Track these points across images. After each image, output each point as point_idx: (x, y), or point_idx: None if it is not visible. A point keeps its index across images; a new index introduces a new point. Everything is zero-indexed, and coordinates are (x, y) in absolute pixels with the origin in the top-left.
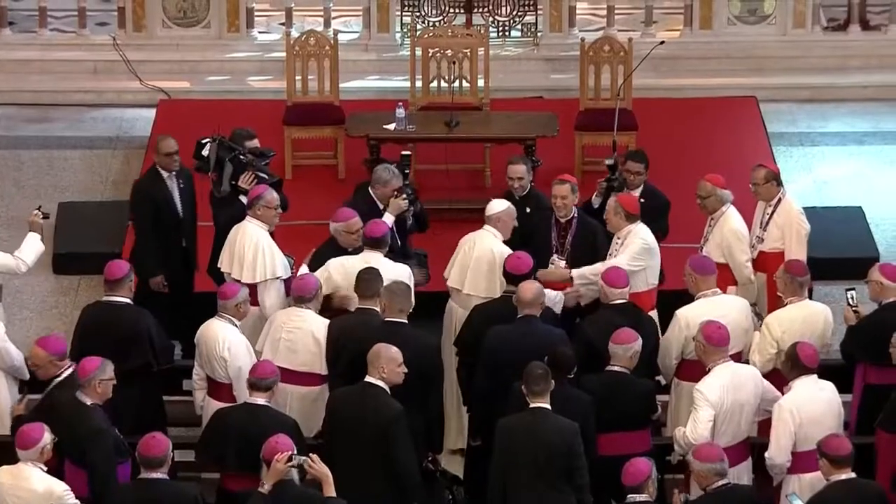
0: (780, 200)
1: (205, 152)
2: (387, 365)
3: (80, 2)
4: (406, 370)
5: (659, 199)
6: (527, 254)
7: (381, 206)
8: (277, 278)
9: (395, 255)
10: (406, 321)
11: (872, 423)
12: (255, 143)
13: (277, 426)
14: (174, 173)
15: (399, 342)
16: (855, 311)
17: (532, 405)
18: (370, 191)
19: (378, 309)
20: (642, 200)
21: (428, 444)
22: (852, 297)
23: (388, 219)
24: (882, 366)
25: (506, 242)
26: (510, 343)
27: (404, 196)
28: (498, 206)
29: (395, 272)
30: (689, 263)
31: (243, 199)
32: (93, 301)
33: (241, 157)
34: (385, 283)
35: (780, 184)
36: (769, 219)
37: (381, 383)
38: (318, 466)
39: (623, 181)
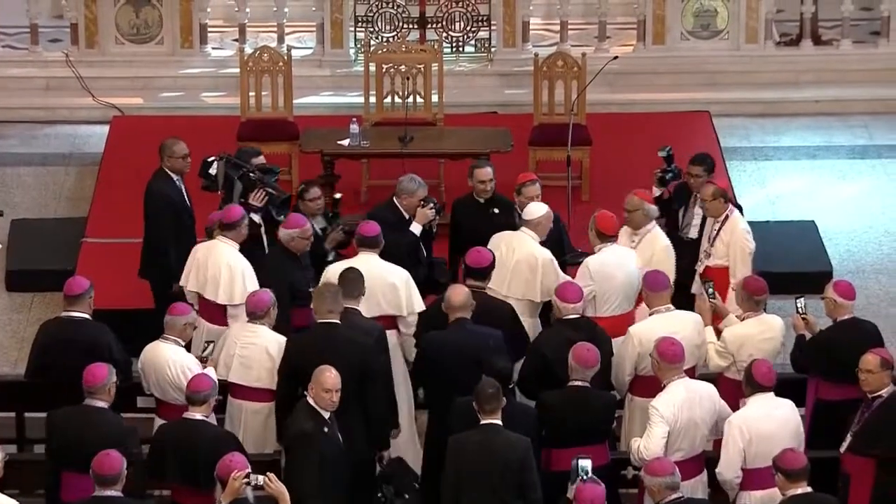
0: (727, 217)
1: (212, 171)
2: (314, 387)
3: (32, 18)
4: (336, 400)
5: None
6: (487, 249)
7: (408, 216)
8: None
9: (422, 265)
10: (339, 322)
11: (824, 437)
12: (262, 159)
13: (214, 440)
14: (180, 176)
15: (332, 343)
16: (803, 319)
17: (483, 422)
18: (395, 201)
19: (360, 309)
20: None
21: (372, 443)
22: (801, 305)
23: (416, 228)
24: (834, 381)
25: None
26: (445, 347)
27: (431, 206)
28: (538, 210)
29: (390, 272)
30: (643, 280)
31: (255, 217)
32: (47, 318)
33: (251, 174)
34: (360, 284)
35: (727, 200)
36: (716, 235)
37: (311, 402)
38: (274, 485)
39: (679, 172)
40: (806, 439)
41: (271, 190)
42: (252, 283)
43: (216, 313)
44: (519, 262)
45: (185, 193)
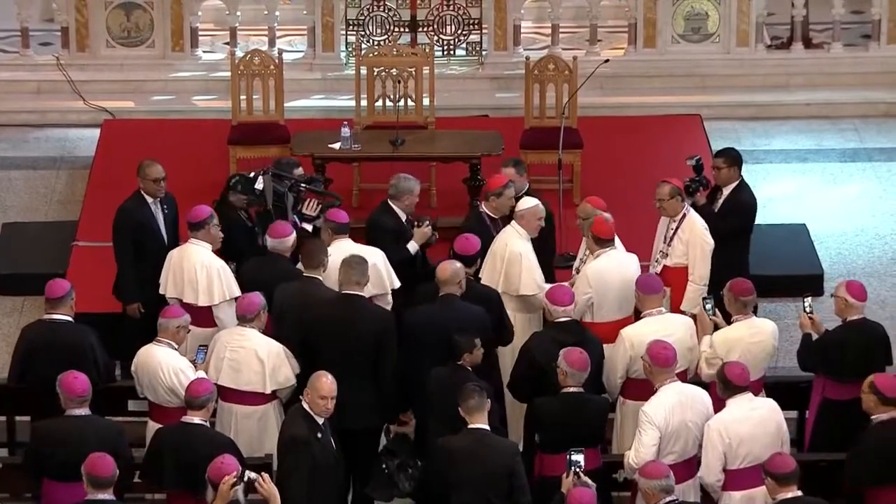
0: (684, 216)
1: (258, 186)
2: (310, 393)
3: (22, 22)
4: (331, 407)
5: (738, 201)
6: (475, 236)
7: (405, 217)
8: (234, 298)
9: (421, 276)
10: (363, 294)
11: (829, 438)
12: (301, 170)
13: (212, 444)
14: (159, 199)
15: (354, 314)
16: (810, 318)
17: (470, 426)
18: (391, 204)
19: (321, 278)
20: (728, 197)
21: (382, 415)
22: (808, 305)
23: (413, 247)
24: (843, 381)
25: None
26: (431, 321)
27: (427, 224)
28: (525, 203)
29: (368, 254)
30: (636, 283)
31: (307, 226)
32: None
33: (302, 185)
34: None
35: (683, 199)
36: (673, 234)
37: (306, 407)
38: (266, 486)
39: (706, 182)
40: (810, 439)
41: (325, 196)
42: (229, 281)
43: (200, 316)
44: (494, 252)
45: (159, 217)
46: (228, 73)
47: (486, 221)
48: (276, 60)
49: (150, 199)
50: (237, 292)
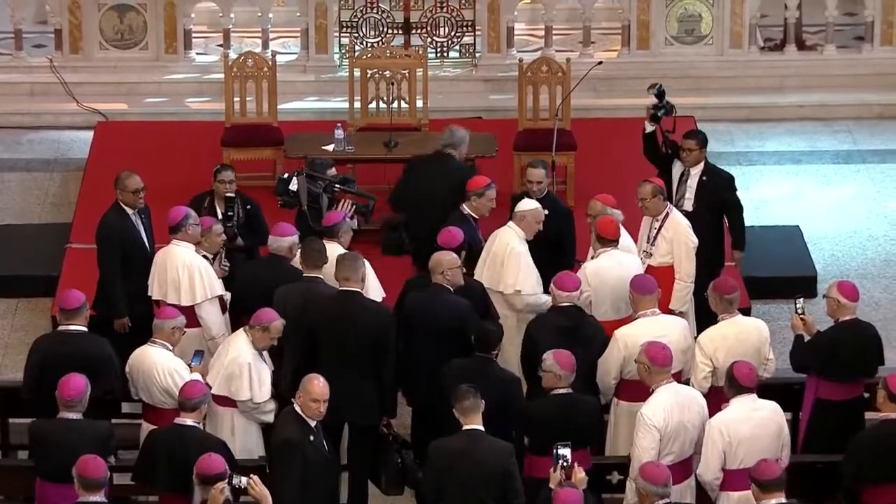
0: (667, 215)
1: (293, 187)
2: (302, 396)
3: (16, 24)
4: (323, 410)
5: (719, 178)
6: (458, 229)
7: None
8: (216, 296)
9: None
10: (359, 290)
11: (823, 438)
12: (333, 170)
13: (205, 447)
14: (137, 210)
15: (352, 309)
16: (802, 319)
17: (465, 427)
18: (450, 151)
19: (322, 276)
20: (703, 178)
21: (382, 409)
22: (800, 306)
23: None
24: (836, 381)
25: (529, 243)
26: (420, 308)
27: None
28: (526, 205)
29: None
30: (630, 283)
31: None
32: (32, 323)
33: (336, 186)
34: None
35: (665, 198)
36: (657, 233)
37: (298, 410)
38: (258, 488)
39: (670, 107)
40: (803, 439)
41: (360, 197)
42: (211, 280)
43: (188, 317)
44: (494, 253)
45: (140, 228)
46: (222, 75)
47: (469, 221)
48: (270, 62)
49: (129, 211)
50: (219, 291)
